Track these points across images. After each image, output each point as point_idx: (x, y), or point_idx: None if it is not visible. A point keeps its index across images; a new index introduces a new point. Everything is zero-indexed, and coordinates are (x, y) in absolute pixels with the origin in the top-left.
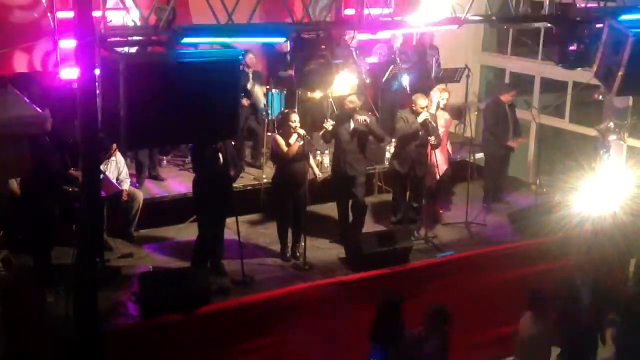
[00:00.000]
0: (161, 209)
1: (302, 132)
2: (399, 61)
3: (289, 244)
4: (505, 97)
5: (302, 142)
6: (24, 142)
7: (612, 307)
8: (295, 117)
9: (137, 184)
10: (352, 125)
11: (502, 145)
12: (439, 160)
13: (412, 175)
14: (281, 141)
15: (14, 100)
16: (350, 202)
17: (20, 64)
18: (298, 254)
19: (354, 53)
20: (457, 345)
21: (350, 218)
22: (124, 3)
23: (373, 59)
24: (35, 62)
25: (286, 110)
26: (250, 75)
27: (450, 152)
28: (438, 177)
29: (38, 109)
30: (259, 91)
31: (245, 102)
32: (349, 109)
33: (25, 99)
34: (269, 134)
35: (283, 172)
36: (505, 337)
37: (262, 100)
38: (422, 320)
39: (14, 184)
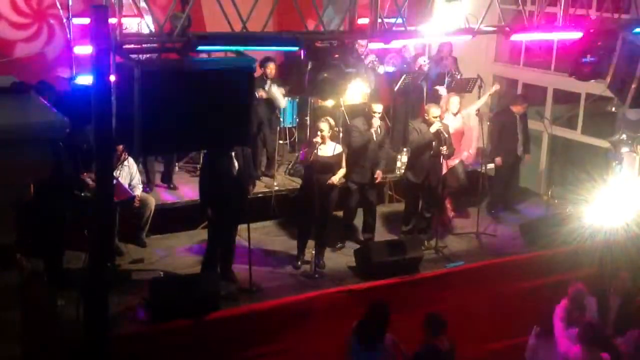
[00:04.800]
0: (173, 215)
1: (316, 140)
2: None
3: (305, 252)
4: (517, 108)
5: (317, 151)
6: (45, 146)
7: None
8: (323, 127)
9: (148, 189)
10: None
11: (509, 155)
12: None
13: (425, 185)
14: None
15: (36, 106)
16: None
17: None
18: (321, 262)
19: (364, 60)
20: (466, 356)
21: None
22: (139, 10)
23: (388, 68)
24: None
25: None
26: (269, 83)
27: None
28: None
29: (60, 115)
30: (276, 91)
31: (262, 93)
32: (373, 117)
33: (47, 104)
34: (280, 141)
35: (309, 180)
36: (515, 348)
37: (282, 102)
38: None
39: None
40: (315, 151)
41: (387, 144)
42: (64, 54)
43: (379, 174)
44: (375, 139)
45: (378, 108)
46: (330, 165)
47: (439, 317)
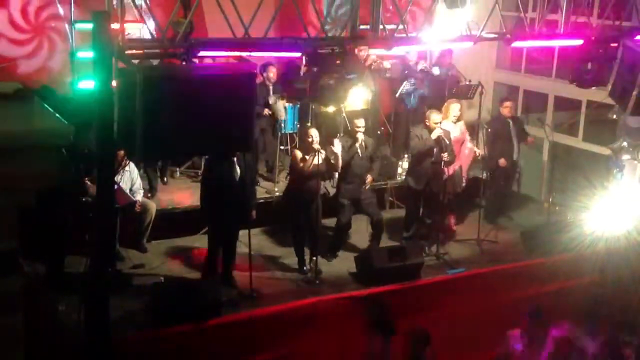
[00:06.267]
0: (173, 220)
1: (317, 147)
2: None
3: (307, 258)
4: (503, 110)
5: (318, 159)
6: (49, 154)
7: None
8: (313, 133)
9: (149, 195)
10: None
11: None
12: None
13: (427, 192)
14: (298, 155)
15: (40, 112)
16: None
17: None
18: (318, 268)
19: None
20: None
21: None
22: (142, 16)
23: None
24: None
25: (308, 125)
26: (271, 88)
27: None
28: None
29: (63, 121)
30: (280, 106)
31: (266, 111)
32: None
33: (50, 110)
34: (281, 147)
35: (296, 186)
36: None
37: (283, 114)
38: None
39: None
40: (317, 160)
41: (380, 154)
42: (40, 72)
43: (369, 181)
44: (361, 153)
45: (360, 122)
46: (319, 172)
47: (423, 331)
